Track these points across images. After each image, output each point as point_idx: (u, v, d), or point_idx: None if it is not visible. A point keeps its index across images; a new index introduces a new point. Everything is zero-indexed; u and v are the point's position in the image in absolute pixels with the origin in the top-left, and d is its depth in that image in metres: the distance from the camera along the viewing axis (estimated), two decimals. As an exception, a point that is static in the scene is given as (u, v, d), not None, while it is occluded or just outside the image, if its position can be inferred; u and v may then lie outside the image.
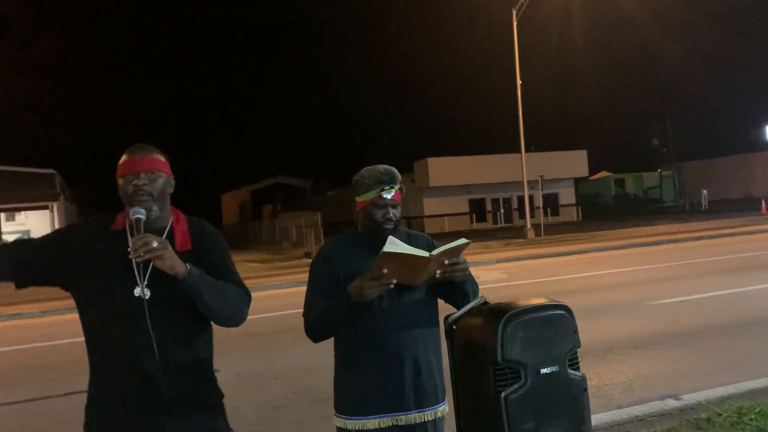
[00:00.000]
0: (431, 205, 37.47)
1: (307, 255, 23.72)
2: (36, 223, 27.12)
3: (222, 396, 2.16)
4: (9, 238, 26.10)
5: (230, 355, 7.06)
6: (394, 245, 2.13)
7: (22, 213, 27.52)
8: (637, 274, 12.62)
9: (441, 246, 2.20)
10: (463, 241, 2.19)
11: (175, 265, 1.88)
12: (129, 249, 1.86)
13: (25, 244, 2.04)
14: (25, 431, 5.21)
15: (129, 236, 1.99)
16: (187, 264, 1.90)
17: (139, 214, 1.94)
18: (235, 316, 2.06)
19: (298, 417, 5.06)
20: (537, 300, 1.98)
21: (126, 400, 1.95)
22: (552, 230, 29.13)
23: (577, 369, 1.99)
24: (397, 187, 2.37)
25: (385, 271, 2.12)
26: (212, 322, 2.09)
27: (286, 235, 32.19)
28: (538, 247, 21.23)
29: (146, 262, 1.92)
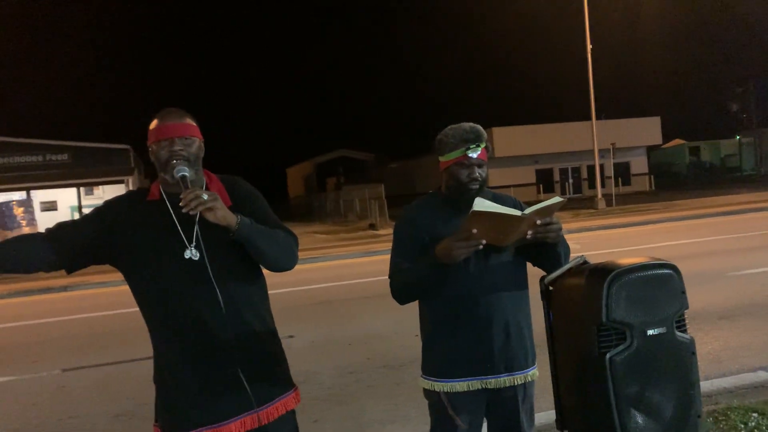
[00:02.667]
0: (496, 176, 36.81)
1: (372, 227, 23.82)
2: (112, 196, 28.29)
3: (283, 350, 2.19)
4: (88, 211, 27.34)
5: (304, 322, 7.19)
6: (483, 204, 2.06)
7: (100, 187, 28.72)
8: (716, 244, 12.08)
9: (533, 205, 2.11)
10: (557, 199, 2.09)
11: (227, 215, 1.88)
12: (180, 204, 1.85)
13: (66, 227, 2.04)
14: (113, 392, 5.46)
15: (166, 200, 2.01)
16: (237, 214, 1.91)
17: (183, 171, 1.95)
18: (288, 260, 2.07)
19: (373, 382, 5.10)
20: (642, 259, 1.88)
21: (194, 361, 1.98)
22: (623, 200, 28.24)
23: (685, 331, 1.88)
24: (483, 145, 2.29)
25: (475, 231, 2.05)
26: (266, 269, 2.10)
27: (351, 207, 32.40)
28: (610, 217, 20.63)
29: (191, 225, 1.96)
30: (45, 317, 9.76)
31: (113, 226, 2.00)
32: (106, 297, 11.28)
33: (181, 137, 1.99)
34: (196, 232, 1.98)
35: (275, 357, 2.13)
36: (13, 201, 21.48)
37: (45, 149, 27.39)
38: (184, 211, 1.84)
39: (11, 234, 20.12)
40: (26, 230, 20.81)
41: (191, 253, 1.95)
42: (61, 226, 2.04)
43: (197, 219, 1.95)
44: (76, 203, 26.93)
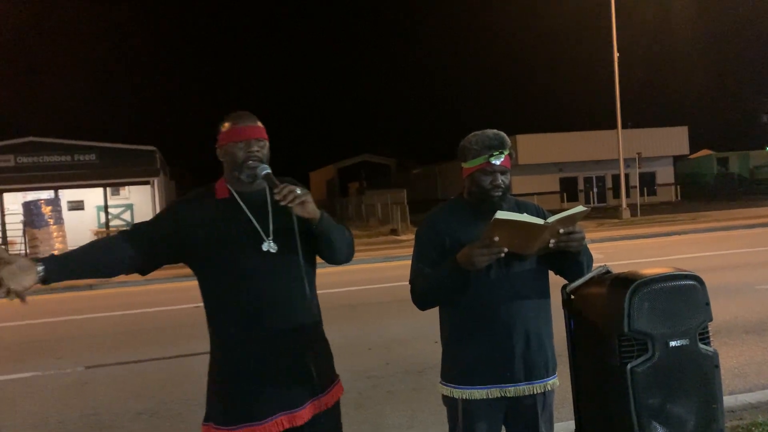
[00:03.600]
0: (520, 184, 36.54)
1: (394, 232, 23.83)
2: (138, 197, 28.61)
3: None
4: (114, 211, 27.72)
5: (324, 325, 7.16)
6: (506, 212, 2.05)
7: (126, 188, 29.07)
8: (744, 256, 11.87)
9: (556, 214, 2.10)
10: (580, 208, 2.08)
11: (315, 209, 2.02)
12: (277, 198, 1.97)
13: (144, 229, 2.11)
14: (135, 390, 5.52)
15: (237, 197, 2.11)
16: (320, 209, 2.05)
17: (267, 169, 2.09)
18: (350, 253, 2.24)
19: (392, 388, 5.09)
20: (665, 270, 1.86)
21: (275, 350, 2.06)
22: (649, 210, 27.89)
23: (709, 344, 1.86)
24: (506, 152, 2.29)
25: (497, 238, 2.04)
26: (329, 262, 2.21)
27: (373, 212, 32.44)
28: (635, 227, 20.39)
29: (266, 219, 2.08)
30: (69, 315, 9.91)
31: (188, 224, 2.08)
32: (130, 296, 11.43)
33: (256, 139, 2.11)
34: (272, 225, 2.08)
35: (328, 344, 2.28)
36: (42, 200, 21.84)
37: (73, 149, 27.82)
38: (282, 204, 1.95)
39: (39, 232, 20.43)
40: (53, 228, 21.17)
41: (269, 245, 2.06)
42: (138, 228, 2.11)
43: (271, 214, 2.09)
44: (102, 203, 27.33)
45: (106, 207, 26.95)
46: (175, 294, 11.11)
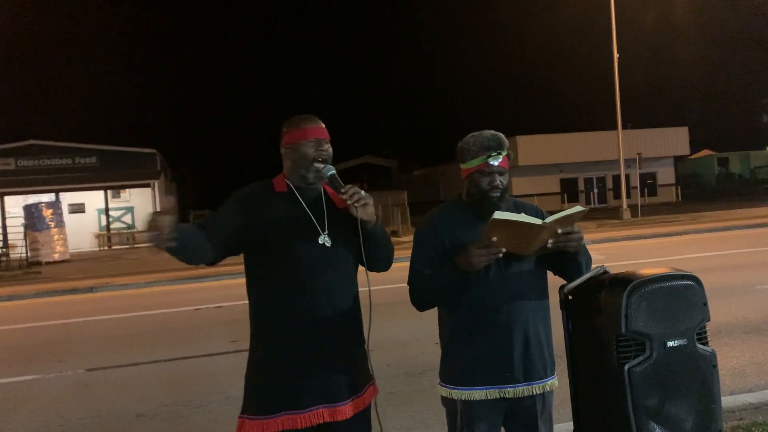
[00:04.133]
0: (520, 185, 36.58)
1: (394, 233, 23.82)
2: (139, 199, 28.65)
3: None
4: (114, 213, 27.74)
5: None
6: (503, 212, 2.06)
7: (127, 190, 29.12)
8: (744, 257, 11.86)
9: (554, 214, 2.11)
10: (578, 208, 2.08)
11: (374, 211, 2.12)
12: (344, 197, 2.11)
13: (217, 222, 2.14)
14: (136, 392, 5.53)
15: (296, 192, 2.21)
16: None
17: (332, 170, 2.21)
18: (391, 261, 2.36)
19: (393, 389, 5.10)
20: (662, 270, 1.86)
21: (323, 342, 2.10)
22: (649, 211, 27.86)
23: (706, 344, 1.86)
24: (504, 153, 2.29)
25: (495, 239, 2.05)
26: (369, 267, 2.28)
27: (374, 213, 32.37)
28: (635, 227, 20.38)
29: (321, 215, 2.17)
30: (70, 317, 9.92)
31: (253, 213, 2.15)
32: (130, 299, 11.43)
33: (323, 140, 2.22)
34: (327, 221, 2.17)
35: (365, 343, 2.30)
36: (42, 203, 21.87)
37: (74, 152, 27.89)
38: (349, 203, 2.08)
39: (40, 235, 20.41)
40: (54, 231, 21.18)
41: (325, 239, 2.15)
42: (211, 222, 2.15)
43: (326, 211, 2.20)
44: (103, 206, 27.37)
45: (107, 209, 26.99)
46: (177, 296, 11.12)
